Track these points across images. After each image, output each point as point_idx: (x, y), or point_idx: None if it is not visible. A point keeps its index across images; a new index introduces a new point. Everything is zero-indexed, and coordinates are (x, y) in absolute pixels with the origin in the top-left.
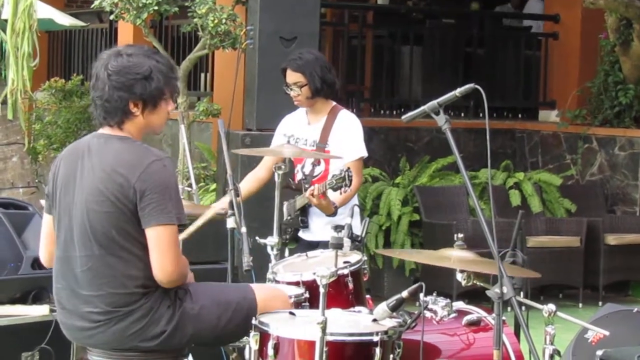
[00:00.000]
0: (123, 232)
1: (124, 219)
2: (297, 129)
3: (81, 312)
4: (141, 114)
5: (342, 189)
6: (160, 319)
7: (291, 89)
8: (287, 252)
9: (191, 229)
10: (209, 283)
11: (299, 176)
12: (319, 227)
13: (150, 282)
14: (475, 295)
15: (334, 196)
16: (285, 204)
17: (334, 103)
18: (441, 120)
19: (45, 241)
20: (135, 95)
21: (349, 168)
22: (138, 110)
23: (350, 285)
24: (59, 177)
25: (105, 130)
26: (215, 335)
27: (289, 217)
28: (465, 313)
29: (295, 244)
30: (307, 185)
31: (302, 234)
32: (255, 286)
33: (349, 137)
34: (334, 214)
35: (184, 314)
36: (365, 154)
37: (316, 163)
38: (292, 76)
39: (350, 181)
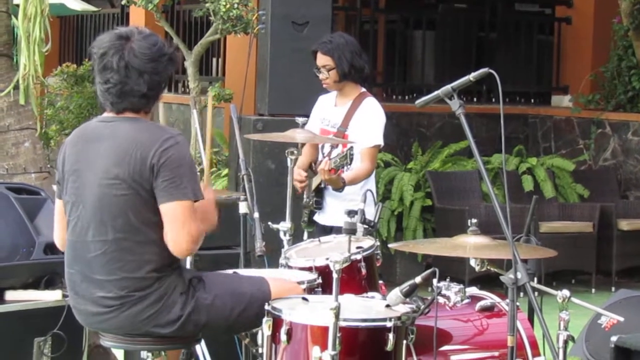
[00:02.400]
0: (139, 215)
1: (140, 201)
2: (326, 109)
3: (94, 297)
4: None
5: (344, 167)
6: (174, 304)
7: (320, 72)
8: (305, 235)
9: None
10: (224, 273)
11: (319, 157)
12: (333, 210)
13: (164, 266)
14: (489, 281)
15: (345, 173)
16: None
17: (363, 89)
18: (455, 105)
19: (59, 226)
20: (166, 78)
21: (351, 147)
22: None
23: (363, 271)
24: (68, 162)
25: (115, 114)
26: (227, 325)
27: (307, 199)
28: (479, 299)
29: (313, 227)
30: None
31: (317, 217)
32: (270, 279)
33: (367, 124)
34: (341, 189)
35: (197, 303)
36: (380, 142)
37: (334, 145)
38: (321, 59)
39: (351, 160)
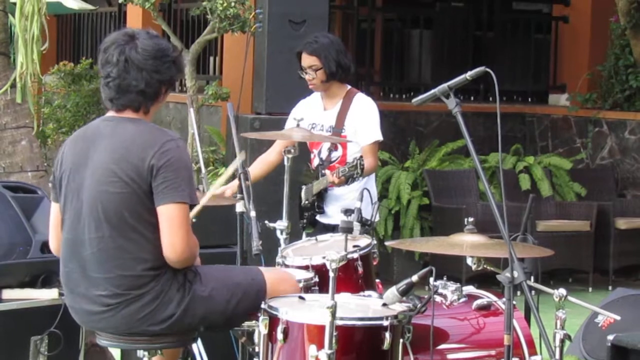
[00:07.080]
0: (135, 214)
1: (136, 199)
2: (313, 114)
3: (91, 296)
4: (163, 96)
5: (355, 178)
6: (170, 302)
7: (306, 73)
8: (304, 236)
9: (196, 208)
10: (218, 265)
11: (316, 161)
12: (335, 212)
13: (160, 265)
14: (485, 280)
15: None
16: (303, 188)
17: (349, 87)
18: (452, 103)
19: (54, 230)
20: (169, 79)
21: (361, 157)
22: (164, 94)
23: (360, 270)
24: (67, 161)
25: (115, 113)
26: (225, 318)
27: (306, 202)
28: (475, 297)
29: (312, 228)
30: (323, 171)
31: (319, 217)
32: (264, 269)
33: (364, 121)
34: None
35: (194, 296)
36: (380, 137)
37: (333, 148)
38: (307, 59)
39: (362, 170)
